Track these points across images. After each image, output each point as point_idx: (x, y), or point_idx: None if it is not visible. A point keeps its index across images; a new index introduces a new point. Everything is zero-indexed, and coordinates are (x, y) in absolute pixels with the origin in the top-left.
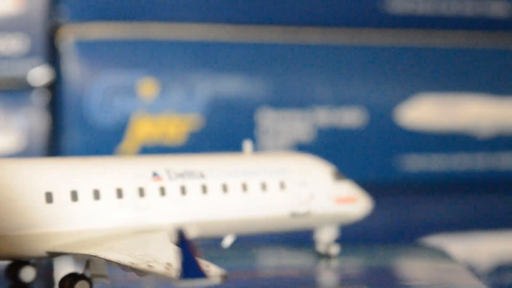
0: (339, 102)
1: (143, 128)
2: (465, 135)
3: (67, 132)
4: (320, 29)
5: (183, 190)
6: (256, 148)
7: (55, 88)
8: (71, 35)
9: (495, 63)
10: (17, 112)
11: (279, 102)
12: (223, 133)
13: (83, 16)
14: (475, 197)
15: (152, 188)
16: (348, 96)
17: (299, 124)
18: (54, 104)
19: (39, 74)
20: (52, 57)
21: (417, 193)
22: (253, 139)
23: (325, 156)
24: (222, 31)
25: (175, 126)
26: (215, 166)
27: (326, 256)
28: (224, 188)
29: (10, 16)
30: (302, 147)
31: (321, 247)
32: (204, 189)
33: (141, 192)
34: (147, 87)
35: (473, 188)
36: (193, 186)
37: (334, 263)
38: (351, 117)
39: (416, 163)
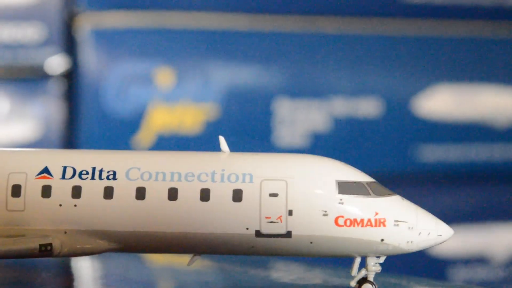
0: (356, 91)
1: (160, 118)
2: (482, 125)
3: (83, 121)
4: (337, 19)
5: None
6: (272, 138)
7: (71, 77)
8: (87, 23)
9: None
10: (34, 101)
11: (296, 92)
12: (240, 122)
13: (100, 5)
14: (492, 188)
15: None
16: (365, 86)
17: (316, 113)
18: (71, 93)
19: (56, 63)
20: (69, 45)
21: (433, 184)
22: (269, 128)
23: (341, 146)
24: (238, 20)
25: (192, 115)
26: (137, 165)
27: None
28: (140, 194)
29: (27, 5)
30: (318, 137)
31: (352, 283)
32: (111, 193)
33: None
34: (164, 76)
35: (490, 178)
36: (91, 187)
37: None
38: (367, 107)
39: (432, 153)
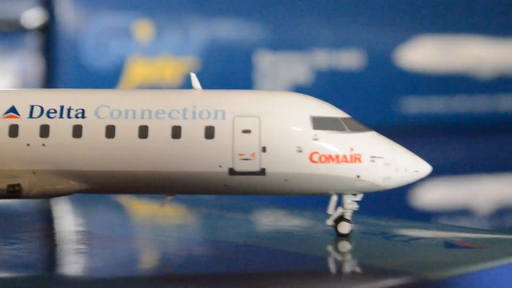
0: (338, 44)
1: (139, 71)
2: (465, 76)
3: (61, 75)
4: None
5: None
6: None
7: (49, 30)
8: None
9: (496, 3)
10: (11, 54)
11: (277, 45)
12: (221, 76)
13: None
14: (475, 139)
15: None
16: (347, 38)
17: (298, 66)
18: (48, 47)
19: (33, 16)
20: None
21: (416, 136)
22: (251, 82)
23: (323, 99)
24: None
25: (171, 68)
26: (107, 103)
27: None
28: (110, 132)
29: None
30: (300, 90)
31: (328, 221)
32: (79, 131)
33: None
34: (143, 29)
35: (473, 130)
36: (59, 126)
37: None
38: (350, 59)
39: (415, 105)
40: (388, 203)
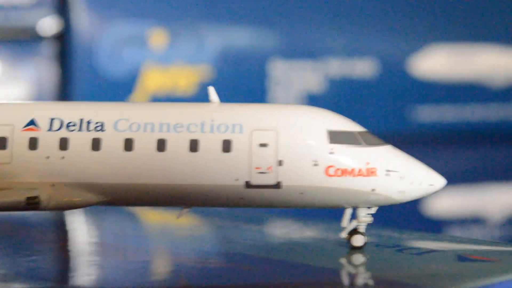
0: (351, 52)
1: (153, 79)
2: (478, 85)
3: (76, 83)
4: None
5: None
6: (267, 99)
7: (64, 38)
8: None
9: (509, 12)
10: (27, 62)
11: (291, 53)
12: (234, 84)
13: None
14: (487, 148)
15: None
16: (360, 46)
17: (311, 74)
18: (64, 54)
19: (48, 24)
20: (61, 7)
21: (429, 144)
22: (264, 90)
23: (336, 107)
24: None
25: (186, 77)
26: (125, 116)
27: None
28: (128, 145)
29: None
30: (313, 98)
31: (342, 234)
32: (98, 144)
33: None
34: (157, 37)
35: (485, 139)
36: (78, 139)
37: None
38: (363, 68)
39: (428, 113)
40: (401, 212)
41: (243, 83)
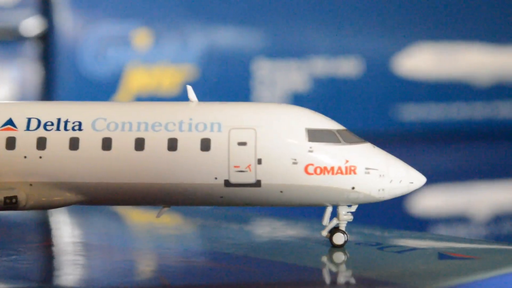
0: (336, 51)
1: (138, 79)
2: (463, 84)
3: (60, 83)
4: None
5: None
6: (252, 99)
7: (47, 38)
8: None
9: (494, 10)
10: (10, 63)
11: (275, 52)
12: (219, 83)
13: None
14: (473, 146)
15: None
16: (345, 45)
17: (296, 74)
18: (47, 55)
19: (32, 25)
20: (45, 7)
21: (414, 143)
22: (249, 89)
23: (321, 106)
24: None
25: (170, 76)
26: (103, 115)
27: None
28: (106, 145)
29: None
30: (298, 98)
31: (323, 232)
32: (76, 144)
33: None
34: (141, 37)
35: (471, 137)
36: (56, 138)
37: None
38: (348, 67)
39: (413, 112)
40: (385, 211)
41: (227, 82)
